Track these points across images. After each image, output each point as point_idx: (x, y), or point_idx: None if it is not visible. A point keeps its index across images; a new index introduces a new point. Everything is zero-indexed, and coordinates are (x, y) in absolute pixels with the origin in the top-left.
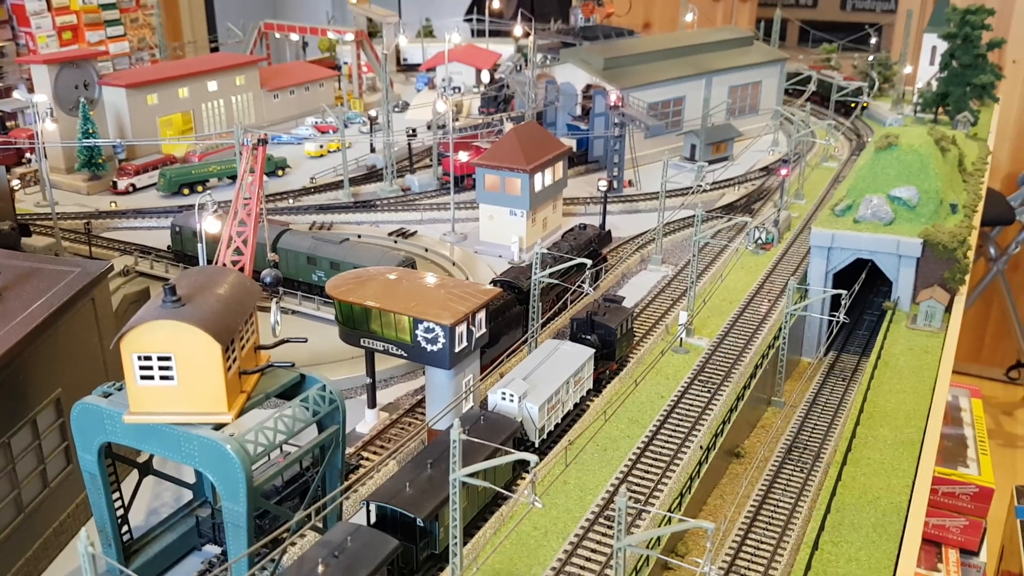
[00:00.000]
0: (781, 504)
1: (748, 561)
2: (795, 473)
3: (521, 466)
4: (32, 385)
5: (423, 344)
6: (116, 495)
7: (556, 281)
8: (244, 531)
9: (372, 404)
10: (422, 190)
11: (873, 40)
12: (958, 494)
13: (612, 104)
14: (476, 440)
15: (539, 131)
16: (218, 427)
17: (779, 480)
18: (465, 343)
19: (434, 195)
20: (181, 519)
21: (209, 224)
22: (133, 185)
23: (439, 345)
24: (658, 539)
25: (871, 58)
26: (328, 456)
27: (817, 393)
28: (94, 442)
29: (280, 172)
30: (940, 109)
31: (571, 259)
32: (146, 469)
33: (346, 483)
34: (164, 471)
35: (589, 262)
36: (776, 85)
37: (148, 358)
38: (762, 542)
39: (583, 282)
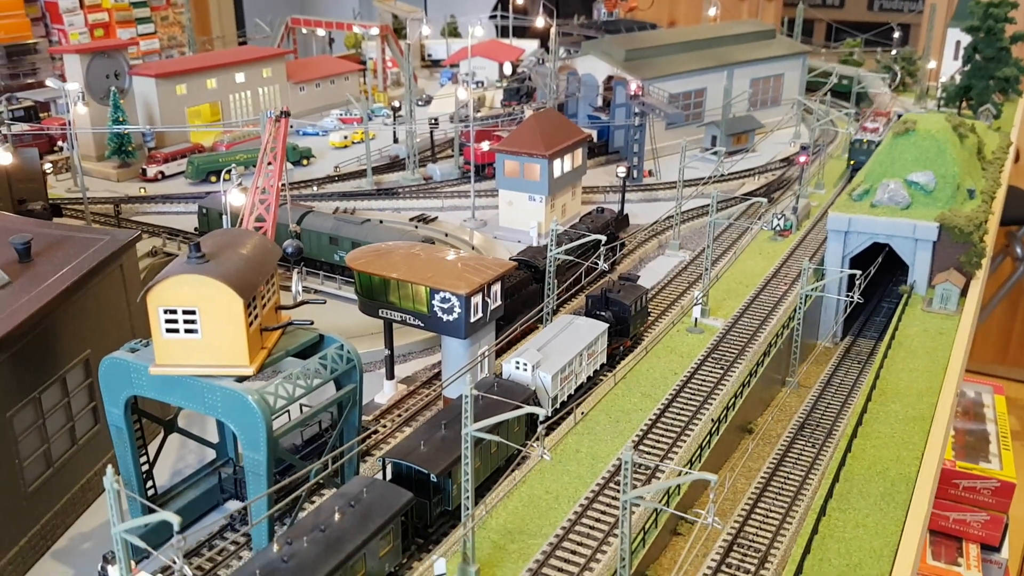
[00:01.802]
0: (792, 476)
1: (757, 527)
2: (806, 448)
3: (533, 433)
4: (62, 345)
5: (439, 314)
6: (142, 451)
7: (572, 258)
8: (264, 480)
9: (390, 376)
10: (443, 179)
11: (897, 34)
12: (979, 488)
13: (632, 93)
14: (491, 396)
15: (559, 118)
16: (240, 380)
17: (790, 454)
18: (480, 314)
19: (455, 183)
20: (204, 477)
21: (234, 197)
22: (162, 172)
23: (455, 315)
24: (667, 499)
25: (894, 52)
26: (345, 413)
27: (832, 375)
28: (121, 395)
29: (305, 161)
30: (964, 103)
31: (586, 235)
32: (171, 426)
33: (362, 440)
34: (189, 430)
35: (603, 238)
36: (798, 78)
37: (173, 311)
38: (771, 511)
39: (598, 258)
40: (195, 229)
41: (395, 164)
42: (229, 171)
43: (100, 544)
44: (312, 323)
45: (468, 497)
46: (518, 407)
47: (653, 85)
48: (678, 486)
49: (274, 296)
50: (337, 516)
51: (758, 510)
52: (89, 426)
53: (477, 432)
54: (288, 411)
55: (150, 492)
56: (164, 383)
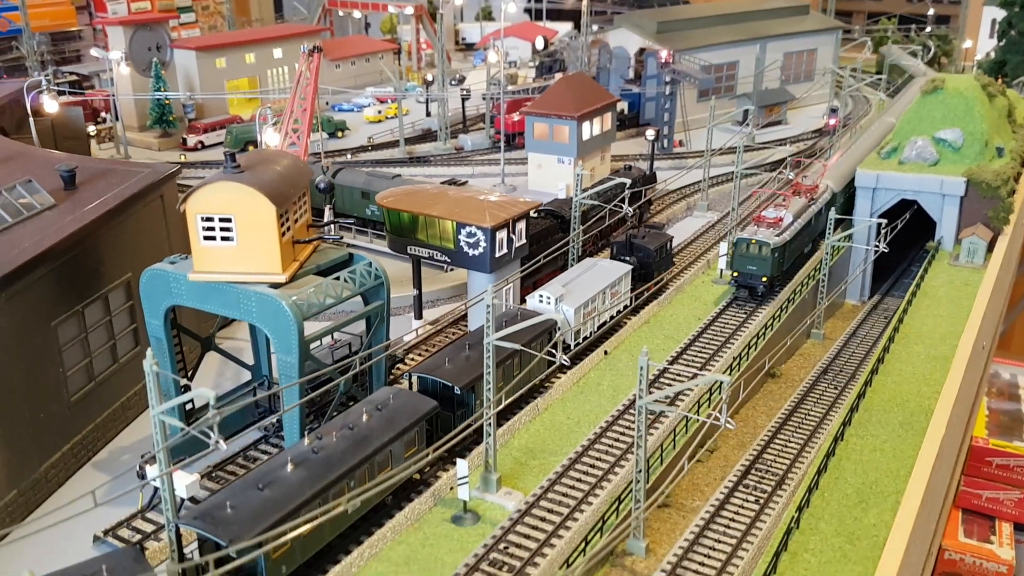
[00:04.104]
0: (812, 413)
1: (775, 455)
2: (828, 389)
3: (557, 368)
4: (105, 265)
5: (465, 249)
6: (180, 365)
7: (596, 202)
8: (296, 383)
9: (419, 315)
10: (474, 148)
11: (931, 12)
12: (1012, 466)
13: (663, 61)
14: (514, 312)
15: (588, 82)
16: (274, 287)
17: (812, 394)
18: (505, 250)
19: (486, 152)
20: (241, 396)
21: (269, 136)
22: (201, 142)
23: (480, 249)
24: (685, 424)
25: (928, 29)
26: (373, 329)
27: (857, 327)
28: (161, 306)
29: (340, 134)
30: (999, 79)
31: (611, 179)
32: (208, 344)
33: (390, 358)
34: (225, 349)
35: (628, 181)
36: (832, 53)
37: (210, 219)
38: (790, 442)
39: (622, 201)
40: None
41: (427, 136)
42: (264, 114)
43: (139, 457)
44: (341, 238)
45: (489, 405)
46: (533, 313)
47: (684, 57)
48: (698, 411)
49: (305, 214)
50: (365, 418)
51: (777, 441)
52: (130, 347)
53: (498, 342)
54: (320, 339)
55: (188, 407)
56: (201, 291)
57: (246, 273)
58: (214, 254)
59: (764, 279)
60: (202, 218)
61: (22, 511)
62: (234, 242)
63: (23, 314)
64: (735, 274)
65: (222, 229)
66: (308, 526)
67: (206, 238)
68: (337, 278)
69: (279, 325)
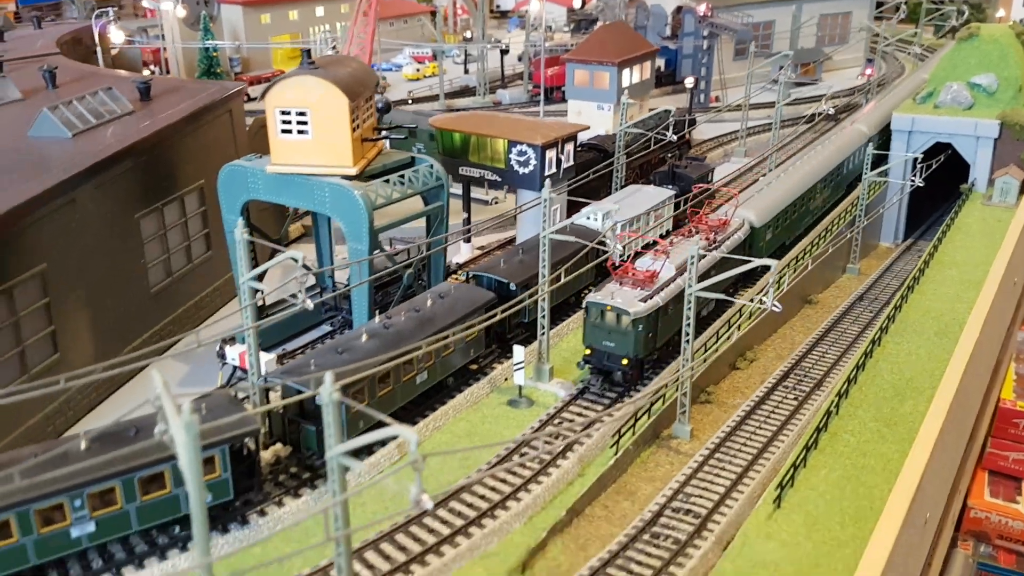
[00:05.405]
0: (848, 331)
1: (813, 363)
2: (864, 312)
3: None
4: (181, 168)
5: (516, 167)
6: (253, 263)
7: (639, 130)
8: (365, 268)
9: (468, 240)
10: (512, 102)
11: None
12: None
13: (702, 15)
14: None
15: (628, 30)
16: (345, 180)
17: (848, 316)
18: (554, 169)
19: (524, 105)
20: (309, 297)
21: None
22: (248, 95)
23: (530, 167)
24: (727, 330)
25: None
26: (433, 229)
27: (892, 264)
28: (238, 200)
29: (380, 89)
30: None
31: (656, 109)
32: (279, 242)
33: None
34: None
35: (673, 109)
36: (866, 16)
37: (287, 112)
38: (827, 353)
39: (665, 128)
40: None
41: (465, 92)
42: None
43: (214, 349)
44: (407, 136)
45: (543, 298)
46: (590, 238)
47: (721, 15)
48: (739, 320)
49: (371, 119)
50: (429, 303)
51: (815, 352)
52: (202, 251)
53: (553, 235)
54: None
55: (259, 303)
56: (277, 184)
57: (320, 166)
58: (290, 147)
59: (625, 362)
60: (280, 111)
61: (107, 387)
62: (309, 135)
63: (110, 203)
64: (588, 351)
65: (299, 123)
66: (381, 368)
67: (283, 131)
68: (402, 176)
69: (351, 214)
